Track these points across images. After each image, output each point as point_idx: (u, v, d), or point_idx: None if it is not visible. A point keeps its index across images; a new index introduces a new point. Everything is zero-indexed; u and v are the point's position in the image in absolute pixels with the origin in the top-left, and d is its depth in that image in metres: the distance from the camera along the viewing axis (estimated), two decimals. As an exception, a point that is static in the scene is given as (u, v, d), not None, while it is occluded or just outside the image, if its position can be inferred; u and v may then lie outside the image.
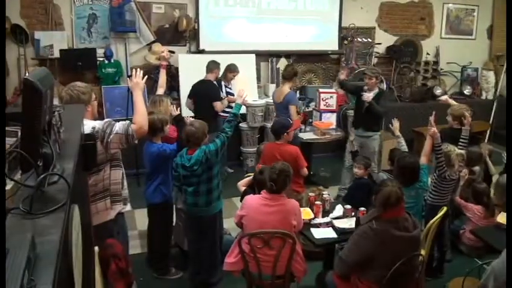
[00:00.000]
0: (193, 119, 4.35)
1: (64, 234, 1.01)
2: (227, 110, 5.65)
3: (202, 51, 6.76)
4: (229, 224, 4.20)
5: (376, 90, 5.36)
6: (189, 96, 5.83)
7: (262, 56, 7.22)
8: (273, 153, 4.23)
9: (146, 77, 3.18)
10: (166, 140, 3.79)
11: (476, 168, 4.80)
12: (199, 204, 3.51)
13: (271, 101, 6.11)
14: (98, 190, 2.78)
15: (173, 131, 3.95)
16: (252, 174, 3.86)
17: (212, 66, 5.85)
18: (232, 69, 6.10)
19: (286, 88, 5.50)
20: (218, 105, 5.73)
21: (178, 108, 4.06)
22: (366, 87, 5.38)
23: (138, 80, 3.03)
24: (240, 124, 6.36)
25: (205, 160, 3.40)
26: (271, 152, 4.29)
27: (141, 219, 4.46)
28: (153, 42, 6.61)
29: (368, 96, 5.31)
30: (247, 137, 6.44)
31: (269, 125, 5.72)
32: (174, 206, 4.02)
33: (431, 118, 3.89)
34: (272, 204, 3.11)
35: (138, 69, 3.16)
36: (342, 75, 5.66)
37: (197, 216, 3.55)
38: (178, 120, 3.95)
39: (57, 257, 0.90)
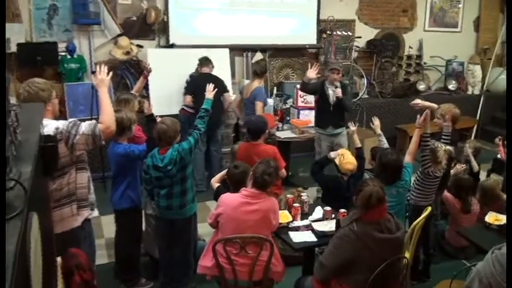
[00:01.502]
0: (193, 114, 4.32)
1: (20, 244, 0.99)
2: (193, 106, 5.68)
3: (172, 46, 6.72)
4: (203, 229, 4.18)
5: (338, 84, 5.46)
6: (188, 92, 5.81)
7: (237, 50, 7.23)
8: (249, 154, 4.25)
9: (111, 73, 3.15)
10: (133, 140, 3.76)
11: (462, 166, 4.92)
12: (173, 207, 3.50)
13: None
14: (62, 195, 2.74)
15: (138, 130, 3.93)
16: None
17: (204, 61, 5.92)
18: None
19: (256, 84, 5.57)
20: (228, 97, 5.82)
21: (150, 107, 4.01)
22: (336, 83, 5.43)
23: (103, 77, 3.01)
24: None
25: (179, 159, 3.39)
26: (247, 152, 4.31)
27: (108, 226, 4.40)
28: (119, 35, 6.53)
29: (339, 91, 5.39)
30: (221, 136, 6.42)
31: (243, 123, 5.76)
32: (143, 211, 3.98)
33: (420, 119, 3.88)
34: (253, 202, 3.13)
35: (103, 65, 3.12)
36: (312, 74, 5.46)
37: (170, 220, 3.54)
38: (149, 120, 3.91)
39: (12, 269, 0.88)
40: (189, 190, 3.54)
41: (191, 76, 6.07)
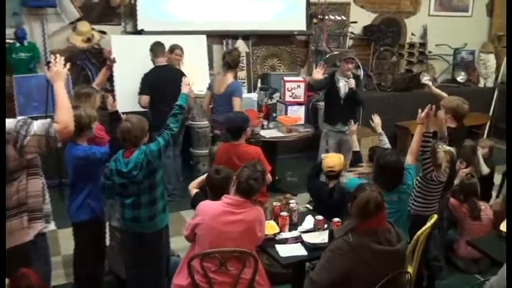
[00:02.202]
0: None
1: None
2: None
3: (140, 32, 6.69)
4: (177, 243, 4.18)
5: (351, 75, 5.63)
6: (145, 92, 5.65)
7: (215, 37, 7.24)
8: (229, 156, 4.26)
9: (69, 64, 3.13)
10: (94, 141, 3.74)
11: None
12: (140, 219, 3.48)
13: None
14: (11, 205, 2.72)
15: (100, 130, 3.91)
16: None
17: (158, 48, 5.80)
18: (172, 49, 6.04)
19: (230, 77, 5.57)
20: (191, 93, 5.74)
21: (115, 103, 3.98)
22: (349, 73, 5.61)
23: (59, 68, 2.98)
24: (190, 121, 6.36)
25: (147, 163, 3.37)
26: (227, 154, 4.32)
27: (66, 241, 4.37)
28: (79, 20, 6.48)
29: (352, 82, 5.54)
30: (198, 136, 6.42)
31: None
32: (107, 223, 3.96)
33: (422, 114, 3.91)
34: (237, 212, 3.14)
35: (59, 55, 3.10)
36: (318, 75, 5.65)
37: (138, 233, 3.52)
38: (114, 119, 3.87)
39: None
40: (159, 199, 3.52)
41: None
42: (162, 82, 5.57)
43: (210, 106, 5.81)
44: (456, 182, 4.62)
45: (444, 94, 4.92)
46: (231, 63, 5.55)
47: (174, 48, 6.06)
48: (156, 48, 5.79)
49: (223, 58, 5.67)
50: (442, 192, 4.15)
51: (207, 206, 3.23)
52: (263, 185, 3.28)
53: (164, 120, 3.64)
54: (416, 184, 4.05)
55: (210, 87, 5.76)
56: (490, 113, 8.67)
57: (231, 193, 3.23)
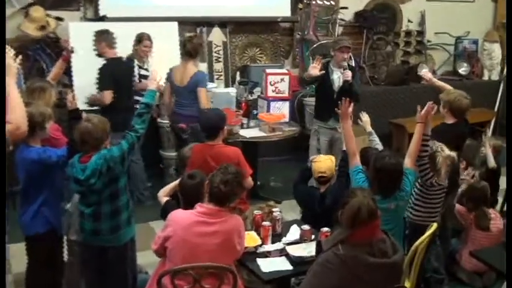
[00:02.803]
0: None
1: None
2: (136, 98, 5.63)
3: (103, 19, 6.63)
4: (145, 258, 4.15)
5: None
6: (107, 86, 5.59)
7: (188, 24, 7.20)
8: (205, 158, 4.26)
9: (21, 56, 3.11)
10: (49, 143, 3.71)
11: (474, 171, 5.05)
12: (101, 231, 3.47)
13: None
14: None
15: (56, 130, 3.88)
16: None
17: (110, 37, 5.76)
18: (140, 39, 6.03)
19: (192, 67, 5.65)
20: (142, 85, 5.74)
21: (75, 100, 3.93)
22: (344, 64, 5.67)
23: (9, 62, 2.96)
24: (159, 119, 6.34)
25: (107, 170, 3.35)
26: (202, 156, 4.32)
27: (17, 257, 4.31)
28: (31, 4, 6.41)
29: (348, 73, 5.59)
30: (168, 137, 6.39)
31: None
32: (65, 236, 3.92)
33: (422, 112, 3.90)
34: (211, 222, 3.13)
35: (8, 46, 3.07)
36: (315, 70, 5.62)
37: (99, 248, 3.50)
38: (73, 117, 3.83)
39: None
40: (123, 209, 3.51)
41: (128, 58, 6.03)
42: (118, 77, 5.59)
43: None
44: (463, 186, 4.67)
45: (448, 86, 4.93)
46: (191, 51, 5.62)
47: (141, 37, 6.06)
48: (109, 37, 5.74)
49: (183, 46, 5.77)
50: (444, 198, 4.18)
51: (179, 216, 3.21)
52: (239, 189, 3.26)
53: (121, 121, 3.61)
54: (414, 190, 4.08)
55: (169, 80, 5.79)
56: (495, 109, 8.76)
57: (205, 201, 3.21)
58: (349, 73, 5.61)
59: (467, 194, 4.63)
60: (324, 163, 4.42)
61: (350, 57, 6.13)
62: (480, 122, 8.14)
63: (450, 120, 4.55)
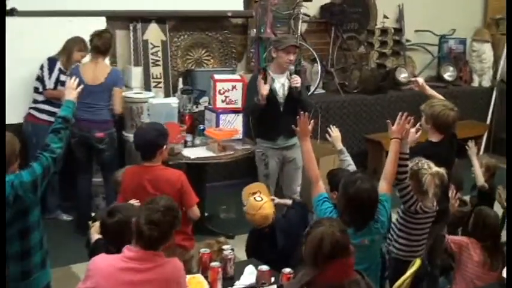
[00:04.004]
0: None
1: None
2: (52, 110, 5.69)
3: (11, 12, 6.50)
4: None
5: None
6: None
7: (119, 20, 7.18)
8: (141, 183, 4.25)
9: None
10: None
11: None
12: (8, 277, 3.36)
13: (136, 95, 6.23)
14: None
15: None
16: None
17: None
18: (82, 46, 6.13)
19: (106, 65, 5.83)
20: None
21: None
22: (291, 67, 5.62)
23: None
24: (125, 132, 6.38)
25: (14, 199, 3.27)
26: (137, 181, 4.30)
27: None
28: None
29: (297, 80, 5.55)
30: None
31: (130, 135, 5.75)
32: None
33: (394, 126, 3.89)
34: (142, 269, 3.06)
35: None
36: (265, 87, 5.53)
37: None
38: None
39: None
40: (36, 249, 3.44)
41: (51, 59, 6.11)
42: None
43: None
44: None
45: (439, 96, 4.94)
46: (101, 47, 5.81)
47: (84, 46, 6.17)
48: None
49: (90, 41, 5.93)
50: (432, 227, 4.19)
51: (101, 262, 3.12)
52: (170, 228, 3.14)
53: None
54: (397, 219, 4.10)
55: (78, 76, 5.80)
56: (488, 121, 8.90)
57: (133, 242, 3.13)
58: (298, 78, 5.59)
59: (481, 222, 4.57)
60: (257, 216, 4.27)
61: (299, 61, 6.05)
62: (468, 138, 7.95)
63: (435, 138, 4.50)
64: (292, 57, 5.60)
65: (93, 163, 6.28)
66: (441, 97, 4.86)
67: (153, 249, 3.06)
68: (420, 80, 5.06)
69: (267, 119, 5.73)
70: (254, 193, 4.41)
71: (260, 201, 4.30)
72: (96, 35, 5.89)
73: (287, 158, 5.77)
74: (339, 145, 4.50)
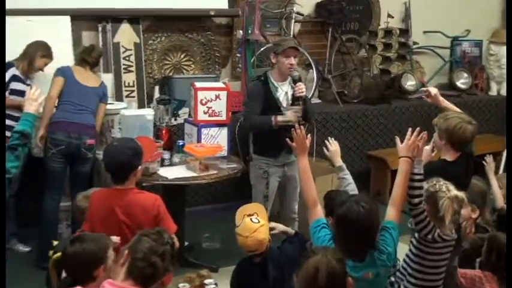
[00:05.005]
0: None
1: None
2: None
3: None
4: None
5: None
6: None
7: (86, 19, 7.21)
8: (111, 209, 4.23)
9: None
10: None
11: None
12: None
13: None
14: None
15: None
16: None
17: None
18: (46, 52, 6.20)
19: (96, 77, 6.09)
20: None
21: None
22: (294, 73, 5.73)
23: None
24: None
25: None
26: (106, 206, 4.28)
27: None
28: None
29: (302, 87, 5.64)
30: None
31: (99, 152, 5.79)
32: None
33: (402, 143, 3.87)
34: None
35: None
36: (295, 115, 5.65)
37: None
38: None
39: None
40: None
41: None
42: None
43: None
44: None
45: (456, 108, 4.92)
46: (87, 58, 6.07)
47: (48, 53, 6.27)
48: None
49: (81, 54, 6.16)
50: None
51: None
52: (170, 264, 3.23)
53: None
54: (410, 250, 4.07)
55: (62, 74, 5.96)
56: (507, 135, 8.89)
57: (117, 276, 3.13)
58: (303, 86, 5.67)
59: (490, 250, 4.54)
60: (251, 240, 4.23)
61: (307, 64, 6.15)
62: (485, 154, 7.91)
63: (450, 156, 4.50)
64: (293, 61, 5.69)
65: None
66: (458, 109, 4.87)
67: (146, 285, 3.11)
68: (434, 90, 5.03)
69: (268, 133, 5.78)
70: (251, 215, 4.37)
71: (257, 223, 4.27)
72: (85, 52, 6.13)
73: (288, 176, 5.86)
74: (338, 161, 4.50)
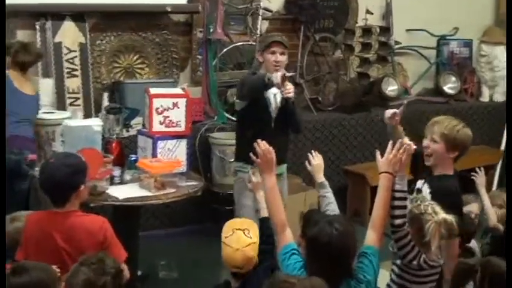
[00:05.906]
0: None
1: None
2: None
3: None
4: None
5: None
6: None
7: (23, 16, 7.21)
8: (48, 235, 4.21)
9: None
10: None
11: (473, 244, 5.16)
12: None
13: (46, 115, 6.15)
14: None
15: None
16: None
17: None
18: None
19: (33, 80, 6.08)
20: None
21: None
22: (282, 71, 5.61)
23: None
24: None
25: None
26: (43, 231, 4.26)
27: None
28: None
29: (290, 88, 5.59)
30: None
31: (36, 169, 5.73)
32: None
33: (384, 157, 3.93)
34: None
35: None
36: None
37: None
38: None
39: None
40: None
41: None
42: None
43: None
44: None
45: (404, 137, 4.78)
46: (26, 64, 6.16)
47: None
48: None
49: (14, 55, 6.12)
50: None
51: None
52: None
53: None
54: (392, 280, 4.13)
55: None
56: (502, 146, 8.98)
57: None
58: (290, 86, 5.64)
59: (483, 276, 4.56)
60: (240, 253, 4.23)
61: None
62: (473, 168, 7.47)
63: (448, 168, 4.54)
64: (279, 57, 5.73)
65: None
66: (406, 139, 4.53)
67: None
68: (393, 114, 4.86)
69: (255, 137, 5.73)
70: (242, 229, 4.35)
71: (249, 239, 4.27)
72: (22, 49, 6.08)
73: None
74: (320, 177, 4.55)
